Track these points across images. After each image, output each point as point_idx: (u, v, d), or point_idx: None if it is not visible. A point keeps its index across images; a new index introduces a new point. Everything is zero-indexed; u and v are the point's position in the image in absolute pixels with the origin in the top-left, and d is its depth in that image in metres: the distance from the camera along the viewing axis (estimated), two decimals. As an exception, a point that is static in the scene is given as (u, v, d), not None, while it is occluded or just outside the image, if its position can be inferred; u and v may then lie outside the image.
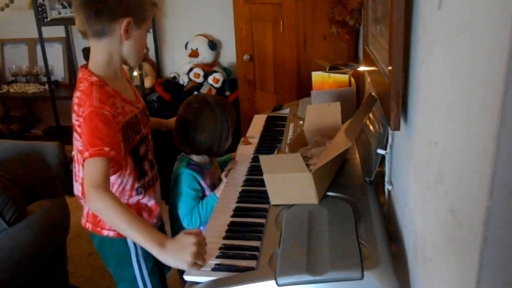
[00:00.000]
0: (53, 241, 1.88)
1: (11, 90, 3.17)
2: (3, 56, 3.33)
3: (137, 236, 1.03)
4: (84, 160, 1.09)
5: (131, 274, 1.32)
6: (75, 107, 1.17)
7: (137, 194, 1.29)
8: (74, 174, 1.28)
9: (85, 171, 1.09)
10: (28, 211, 1.80)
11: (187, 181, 1.39)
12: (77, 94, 1.18)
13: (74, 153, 1.24)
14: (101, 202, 1.05)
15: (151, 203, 1.33)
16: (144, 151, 1.30)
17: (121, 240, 1.27)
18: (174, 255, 0.97)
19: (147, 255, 1.25)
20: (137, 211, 1.28)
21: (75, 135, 1.19)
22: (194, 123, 1.38)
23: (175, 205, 1.42)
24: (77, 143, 1.18)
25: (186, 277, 0.96)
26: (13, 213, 1.69)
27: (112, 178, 1.21)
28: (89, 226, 1.32)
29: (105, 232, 1.29)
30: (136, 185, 1.27)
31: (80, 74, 1.21)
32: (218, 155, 1.49)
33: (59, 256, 1.97)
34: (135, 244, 1.29)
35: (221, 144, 1.41)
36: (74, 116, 1.18)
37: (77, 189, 1.28)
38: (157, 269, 1.37)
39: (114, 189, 1.23)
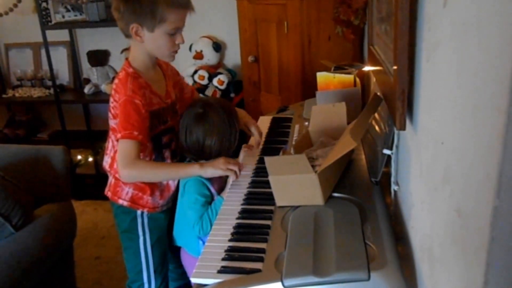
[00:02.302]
0: (60, 245, 1.89)
1: (17, 95, 3.19)
2: (8, 60, 3.36)
3: (178, 172, 1.38)
4: (117, 140, 1.30)
5: (136, 242, 1.46)
6: (113, 92, 1.35)
7: None
8: (106, 147, 1.48)
9: (119, 149, 1.31)
10: (35, 215, 1.81)
11: (196, 187, 1.37)
12: (116, 81, 1.36)
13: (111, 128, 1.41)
14: (135, 172, 1.30)
15: (165, 183, 1.47)
16: (167, 141, 1.45)
17: (132, 210, 1.45)
18: (211, 165, 1.31)
19: (153, 228, 1.47)
20: (150, 189, 1.44)
21: (110, 115, 1.38)
22: (202, 129, 1.38)
23: (184, 213, 1.41)
24: (111, 121, 1.37)
25: (193, 279, 0.96)
26: (19, 217, 1.70)
27: None
28: (109, 194, 1.48)
29: (120, 201, 1.45)
30: None
31: (123, 65, 1.39)
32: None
33: (66, 260, 1.98)
34: (142, 215, 1.45)
35: (231, 145, 1.42)
36: (110, 99, 1.36)
37: (106, 161, 1.47)
38: (160, 244, 1.50)
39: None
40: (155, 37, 1.30)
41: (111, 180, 1.48)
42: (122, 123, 1.29)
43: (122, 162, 1.29)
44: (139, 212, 1.45)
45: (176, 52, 1.38)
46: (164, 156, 1.45)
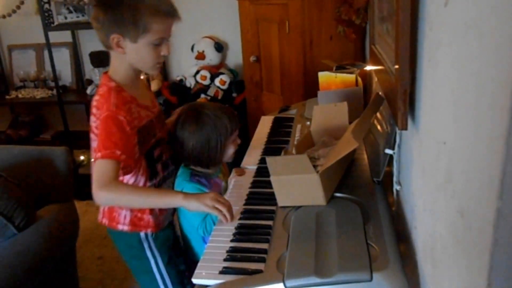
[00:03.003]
0: (62, 246, 1.89)
1: (20, 96, 3.20)
2: (11, 61, 3.37)
3: (159, 201, 1.24)
4: (95, 160, 1.16)
5: (147, 267, 1.37)
6: (94, 110, 1.23)
7: None
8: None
9: (95, 170, 1.16)
10: (38, 216, 1.81)
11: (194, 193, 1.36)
12: (96, 97, 1.24)
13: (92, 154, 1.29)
14: (112, 195, 1.17)
15: None
16: (159, 153, 1.35)
17: (135, 233, 1.35)
18: (196, 199, 1.17)
19: (161, 247, 1.38)
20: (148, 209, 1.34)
21: (92, 136, 1.24)
22: (181, 135, 1.36)
23: (184, 216, 1.41)
24: (94, 143, 1.23)
25: (195, 280, 0.96)
26: (22, 218, 1.70)
27: (127, 177, 1.29)
28: (105, 222, 1.38)
29: (119, 227, 1.35)
30: (148, 184, 1.32)
31: (101, 80, 1.28)
32: (215, 164, 1.41)
33: (69, 261, 1.98)
34: (146, 237, 1.36)
35: (210, 154, 1.35)
36: (92, 118, 1.24)
37: None
38: (173, 262, 1.41)
39: None
40: (138, 48, 1.20)
41: (104, 206, 1.38)
42: (103, 141, 1.16)
43: (98, 182, 1.15)
44: (142, 234, 1.35)
45: (160, 64, 1.28)
46: (157, 170, 1.35)
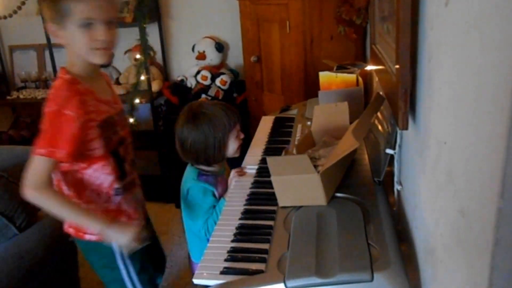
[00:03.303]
0: (63, 246, 1.89)
1: (21, 96, 3.20)
2: (12, 62, 3.37)
3: (79, 221, 1.22)
4: (34, 154, 1.13)
5: (118, 276, 1.34)
6: (46, 103, 1.19)
7: (116, 194, 1.30)
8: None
9: (31, 165, 1.14)
10: (39, 216, 1.81)
11: (199, 196, 1.36)
12: (50, 90, 1.21)
13: None
14: (40, 199, 1.16)
15: (130, 205, 1.35)
16: (123, 153, 1.31)
17: (104, 243, 1.28)
18: (117, 230, 1.19)
19: (133, 256, 1.32)
20: (116, 215, 1.31)
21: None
22: (180, 134, 1.37)
23: (187, 215, 1.41)
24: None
25: (195, 280, 0.96)
26: (23, 218, 1.70)
27: (88, 172, 1.24)
28: (72, 231, 1.33)
29: (87, 237, 1.30)
30: (116, 186, 1.29)
31: (58, 73, 1.25)
32: (217, 161, 1.42)
33: (70, 261, 1.98)
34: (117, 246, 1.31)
35: (208, 151, 1.36)
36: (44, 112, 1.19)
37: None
38: (145, 269, 1.39)
39: (90, 187, 1.26)
40: (69, 34, 1.14)
41: None
42: (45, 137, 1.13)
43: (30, 181, 1.13)
44: (114, 243, 1.29)
45: (99, 49, 1.17)
46: (125, 171, 1.31)
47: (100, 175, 1.25)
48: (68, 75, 1.20)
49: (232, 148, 1.40)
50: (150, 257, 1.44)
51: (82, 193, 1.26)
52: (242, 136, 1.43)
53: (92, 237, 1.29)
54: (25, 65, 3.32)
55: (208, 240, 1.36)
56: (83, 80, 1.21)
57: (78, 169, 1.24)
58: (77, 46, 1.17)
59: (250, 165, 1.44)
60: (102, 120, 1.22)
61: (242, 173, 1.41)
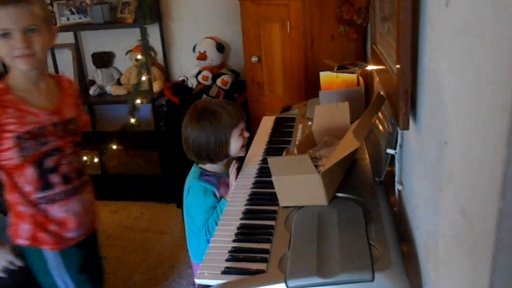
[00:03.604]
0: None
1: (23, 97, 3.21)
2: (14, 63, 3.38)
3: None
4: None
5: (54, 282, 1.36)
6: None
7: (40, 204, 1.31)
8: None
9: None
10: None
11: (199, 195, 1.37)
12: None
13: None
14: None
15: (61, 215, 1.34)
16: (54, 164, 1.31)
17: (36, 249, 1.31)
18: None
19: (69, 265, 1.35)
20: (43, 222, 1.32)
21: None
22: (184, 133, 1.39)
23: (188, 214, 1.42)
24: None
25: (197, 280, 0.96)
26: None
27: (15, 178, 1.28)
28: (10, 235, 1.35)
29: (19, 241, 1.32)
30: (37, 195, 1.30)
31: None
32: (221, 159, 1.42)
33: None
34: (52, 253, 1.33)
35: (210, 149, 1.36)
36: None
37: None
38: (85, 277, 1.41)
39: (19, 190, 1.30)
40: None
41: (10, 219, 1.35)
42: None
43: None
44: (47, 251, 1.33)
45: (21, 56, 1.21)
46: (51, 182, 1.31)
47: (23, 183, 1.29)
48: (1, 85, 1.25)
49: (234, 146, 1.40)
50: (89, 269, 1.45)
51: (15, 194, 1.30)
52: (247, 135, 1.43)
53: (23, 242, 1.32)
54: (26, 66, 3.33)
55: (208, 240, 1.37)
56: (18, 89, 1.25)
57: (6, 173, 1.28)
58: (2, 56, 1.23)
59: (251, 165, 1.44)
60: (24, 132, 1.24)
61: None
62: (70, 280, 1.36)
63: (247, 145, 1.47)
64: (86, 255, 1.43)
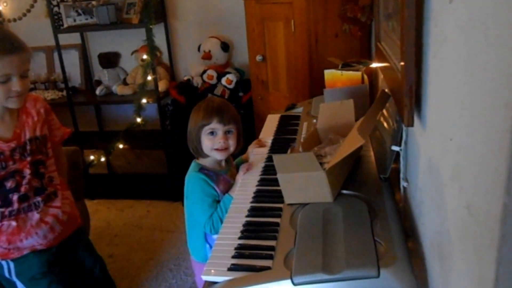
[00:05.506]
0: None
1: (30, 97, 3.24)
2: (21, 64, 3.41)
3: None
4: None
5: (15, 286, 1.44)
6: None
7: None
8: None
9: None
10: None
11: (201, 187, 1.37)
12: None
13: None
14: None
15: (10, 228, 1.40)
16: (13, 185, 1.40)
17: None
18: None
19: (22, 275, 1.43)
20: None
21: None
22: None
23: (190, 212, 1.43)
24: None
25: (204, 277, 0.97)
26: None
27: None
28: None
29: None
30: (1, 210, 1.39)
31: None
32: (199, 155, 1.44)
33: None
34: (5, 261, 1.41)
35: (189, 143, 1.43)
36: None
37: None
38: (48, 280, 1.46)
39: None
40: None
41: None
42: None
43: None
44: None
45: (15, 97, 1.33)
46: (12, 201, 1.40)
47: None
48: None
49: (205, 145, 1.39)
50: (57, 271, 1.50)
51: None
52: (218, 142, 1.38)
53: None
54: (34, 67, 3.35)
55: (206, 242, 1.39)
56: None
57: None
58: None
59: (256, 163, 1.45)
60: None
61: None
62: (23, 286, 1.44)
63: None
64: (51, 259, 1.48)
